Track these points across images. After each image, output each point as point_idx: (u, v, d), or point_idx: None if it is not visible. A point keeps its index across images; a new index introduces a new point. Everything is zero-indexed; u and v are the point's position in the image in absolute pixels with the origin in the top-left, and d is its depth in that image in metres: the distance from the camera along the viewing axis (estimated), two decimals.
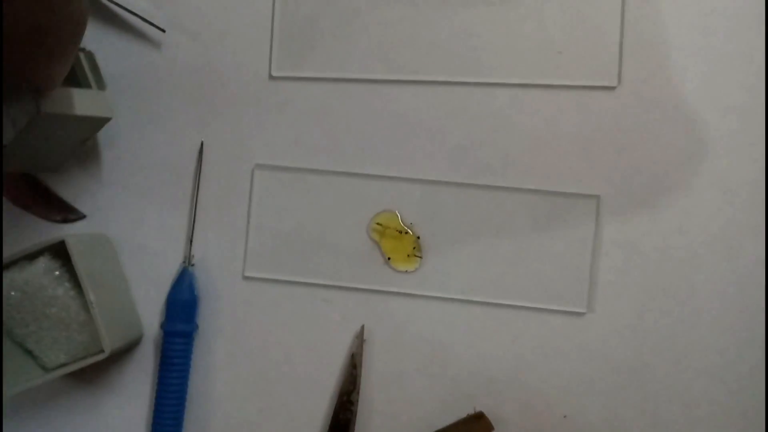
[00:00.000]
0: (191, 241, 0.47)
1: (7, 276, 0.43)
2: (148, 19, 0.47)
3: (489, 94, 0.45)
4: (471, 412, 0.44)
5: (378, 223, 0.45)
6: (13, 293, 0.42)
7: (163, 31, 0.47)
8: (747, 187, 0.43)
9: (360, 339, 0.45)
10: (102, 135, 0.47)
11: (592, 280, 0.44)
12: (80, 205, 0.48)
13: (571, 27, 0.44)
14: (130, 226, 0.47)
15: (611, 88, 0.44)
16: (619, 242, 0.44)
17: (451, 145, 0.45)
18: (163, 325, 0.46)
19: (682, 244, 0.44)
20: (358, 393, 0.45)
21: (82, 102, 0.42)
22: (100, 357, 0.42)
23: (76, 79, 0.44)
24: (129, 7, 0.47)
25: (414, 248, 0.45)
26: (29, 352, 0.44)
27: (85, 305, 0.42)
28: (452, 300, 0.45)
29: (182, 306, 0.46)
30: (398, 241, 0.45)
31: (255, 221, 0.46)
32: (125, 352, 0.47)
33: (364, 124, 0.46)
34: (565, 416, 0.44)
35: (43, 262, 0.43)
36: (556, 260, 0.44)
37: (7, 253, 0.43)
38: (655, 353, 0.44)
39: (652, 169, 0.44)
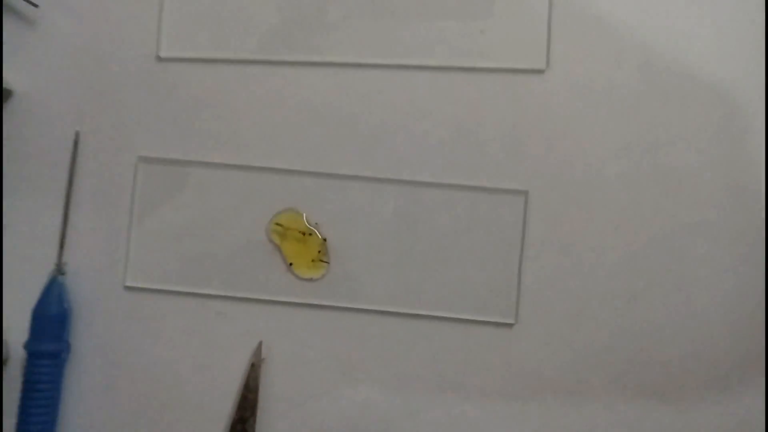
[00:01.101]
0: (62, 246, 0.43)
1: None
2: None
3: (404, 77, 0.43)
4: None
5: (278, 224, 0.43)
6: None
7: (36, 6, 0.44)
8: (691, 181, 0.42)
9: (258, 357, 0.42)
10: None
11: (520, 286, 0.42)
12: None
13: (494, 3, 0.43)
14: None
15: (540, 71, 0.43)
16: (550, 243, 0.42)
17: (362, 135, 0.43)
18: (26, 345, 0.41)
19: (619, 245, 0.42)
20: (255, 420, 0.41)
21: None
22: None
23: None
24: None
25: (320, 252, 0.42)
26: None
27: None
28: (364, 311, 0.42)
29: (50, 321, 0.41)
30: (302, 244, 0.42)
31: (138, 222, 0.43)
32: None
33: (263, 111, 0.44)
34: None
35: None
36: (480, 265, 0.42)
37: None
38: (591, 368, 0.42)
39: (585, 161, 0.42)
